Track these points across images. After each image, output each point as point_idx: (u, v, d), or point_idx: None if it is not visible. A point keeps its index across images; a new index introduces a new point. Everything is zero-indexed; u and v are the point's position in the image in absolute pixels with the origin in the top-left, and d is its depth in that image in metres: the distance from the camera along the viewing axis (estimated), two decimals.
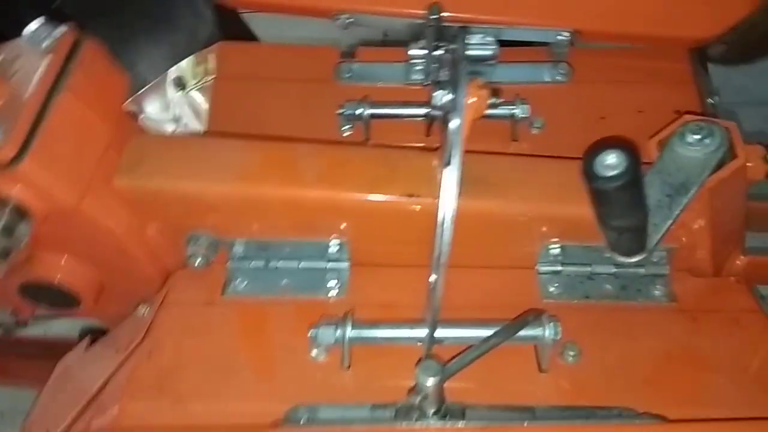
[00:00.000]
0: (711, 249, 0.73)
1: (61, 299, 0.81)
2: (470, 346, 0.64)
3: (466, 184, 0.68)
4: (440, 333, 0.66)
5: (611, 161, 0.54)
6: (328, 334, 0.69)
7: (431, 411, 0.60)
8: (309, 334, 0.70)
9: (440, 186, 0.68)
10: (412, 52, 0.89)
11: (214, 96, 0.96)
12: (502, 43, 0.90)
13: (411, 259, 0.75)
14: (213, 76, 0.98)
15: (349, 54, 0.96)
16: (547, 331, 0.66)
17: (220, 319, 0.76)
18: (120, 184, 0.72)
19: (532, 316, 0.67)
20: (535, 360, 0.69)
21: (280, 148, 0.76)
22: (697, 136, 0.65)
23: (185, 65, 1.00)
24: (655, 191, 0.65)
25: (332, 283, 0.78)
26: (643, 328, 0.72)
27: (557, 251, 0.76)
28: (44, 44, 0.69)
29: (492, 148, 0.85)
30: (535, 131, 0.88)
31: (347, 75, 0.95)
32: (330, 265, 0.79)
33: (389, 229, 0.76)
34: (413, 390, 0.59)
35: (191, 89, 0.99)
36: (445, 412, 0.61)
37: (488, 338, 0.64)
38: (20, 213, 0.66)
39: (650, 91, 0.92)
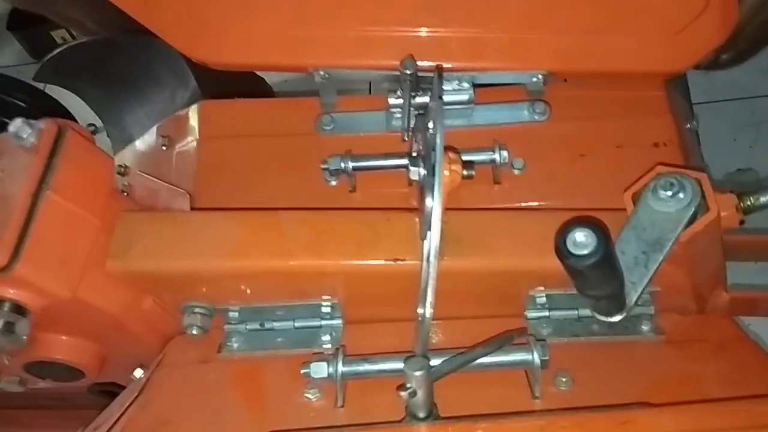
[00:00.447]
0: (692, 293, 0.75)
1: (65, 373, 0.84)
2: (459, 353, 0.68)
3: (447, 244, 0.70)
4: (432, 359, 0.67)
5: (582, 239, 0.56)
6: (320, 368, 0.71)
7: (421, 414, 0.63)
8: (302, 371, 0.72)
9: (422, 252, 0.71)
10: (392, 101, 0.91)
11: (199, 156, 0.98)
12: (478, 85, 0.92)
13: (401, 313, 0.77)
14: (196, 137, 1.00)
15: (329, 105, 0.98)
16: (535, 353, 0.69)
17: (215, 373, 0.78)
18: (113, 268, 0.74)
19: (518, 331, 0.71)
20: (527, 388, 0.71)
21: (266, 219, 0.78)
22: (669, 192, 0.66)
23: (170, 123, 1.02)
24: (631, 248, 0.66)
25: (326, 338, 0.80)
26: (633, 357, 0.75)
27: (543, 299, 0.78)
28: (28, 140, 0.70)
29: (475, 191, 0.88)
30: (516, 172, 0.90)
31: (329, 127, 0.97)
32: (324, 323, 0.81)
33: (377, 290, 0.78)
34: (400, 388, 0.61)
35: (178, 149, 1.01)
36: (435, 417, 0.63)
37: (476, 347, 0.67)
38: (18, 311, 0.68)
39: (627, 124, 0.93)
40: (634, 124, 0.92)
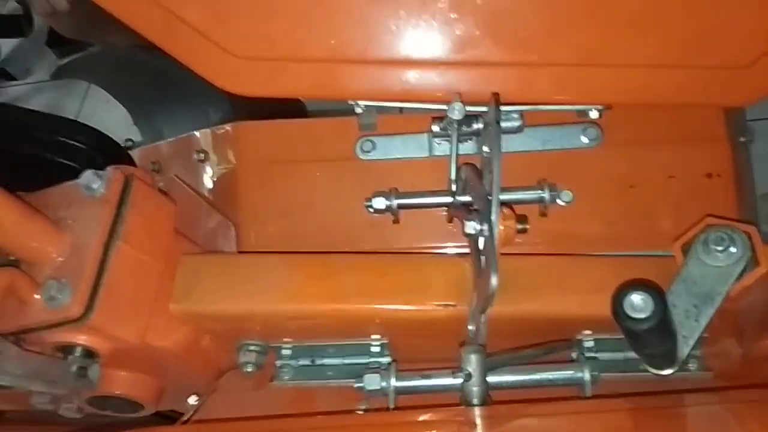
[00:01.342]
0: (738, 341, 0.76)
1: (125, 406, 0.87)
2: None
3: (498, 292, 0.72)
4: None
5: (638, 303, 0.57)
6: (373, 380, 0.74)
7: (475, 401, 0.65)
8: (355, 385, 0.75)
9: (473, 298, 0.73)
10: (435, 128, 0.87)
11: (241, 184, 0.99)
12: None
13: (450, 354, 0.80)
14: (234, 161, 1.00)
15: (369, 126, 0.95)
16: (586, 370, 0.71)
17: (268, 398, 0.82)
18: (176, 311, 0.78)
19: (566, 342, 0.74)
20: None
21: (320, 263, 0.81)
22: (720, 247, 0.68)
23: (206, 139, 1.03)
24: (682, 301, 0.68)
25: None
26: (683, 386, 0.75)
27: (591, 344, 0.80)
28: (98, 191, 0.74)
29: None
30: (563, 204, 0.85)
31: (370, 151, 0.96)
32: (372, 360, 0.84)
33: (427, 333, 0.81)
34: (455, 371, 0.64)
35: (216, 169, 1.03)
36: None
37: (529, 348, 0.70)
38: (89, 355, 0.71)
39: (681, 150, 0.90)
40: (688, 149, 0.89)
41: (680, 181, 0.88)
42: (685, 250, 0.72)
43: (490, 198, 0.66)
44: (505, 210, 0.68)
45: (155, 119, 1.10)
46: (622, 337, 0.78)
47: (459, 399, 0.68)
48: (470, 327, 0.74)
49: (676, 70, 0.77)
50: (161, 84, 1.08)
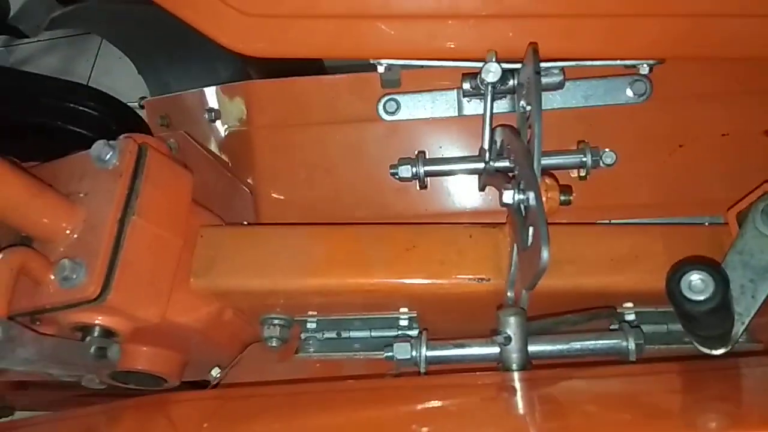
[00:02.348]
0: None
1: (149, 381, 0.85)
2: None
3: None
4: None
5: (697, 283, 0.53)
6: (404, 349, 0.70)
7: (515, 366, 0.62)
8: (385, 354, 0.72)
9: (510, 268, 0.69)
10: (466, 86, 0.80)
11: (256, 147, 0.93)
12: None
13: (485, 328, 0.76)
14: (248, 123, 0.93)
15: (392, 82, 0.87)
16: (630, 339, 0.68)
17: (293, 369, 0.79)
18: (197, 286, 0.74)
19: (607, 309, 0.70)
20: None
21: (346, 235, 0.76)
22: None
23: (216, 98, 0.97)
24: (737, 275, 0.63)
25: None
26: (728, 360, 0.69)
27: (632, 316, 0.75)
28: (110, 162, 0.69)
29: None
30: (605, 166, 0.79)
31: (394, 111, 0.89)
32: (401, 332, 0.80)
33: (459, 307, 0.77)
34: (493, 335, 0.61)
35: (228, 130, 0.96)
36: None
37: (568, 315, 0.67)
38: (109, 335, 0.68)
39: (736, 106, 0.82)
40: (744, 104, 0.81)
41: (735, 139, 0.81)
42: (741, 218, 0.67)
43: (530, 164, 0.60)
44: (548, 180, 0.63)
45: (161, 72, 1.02)
46: (666, 309, 0.75)
47: (497, 366, 0.64)
48: (509, 294, 0.70)
49: (740, 20, 0.69)
50: (163, 35, 1.00)
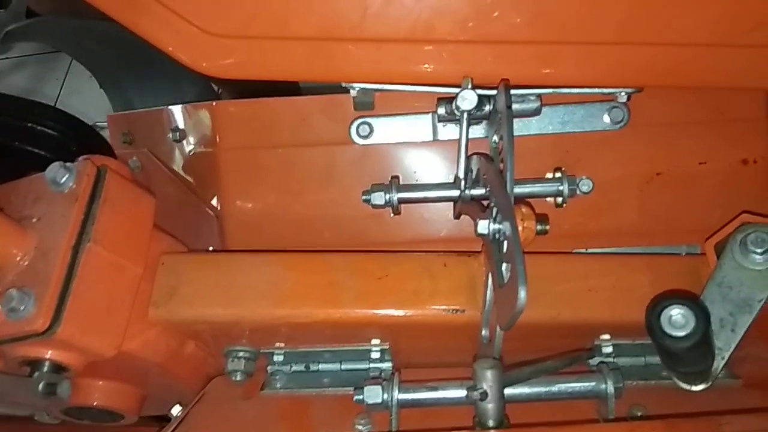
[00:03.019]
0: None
1: (105, 416, 0.81)
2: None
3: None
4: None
5: (678, 318, 0.51)
6: (374, 393, 0.67)
7: (491, 423, 0.59)
8: (355, 397, 0.68)
9: (485, 301, 0.67)
10: (441, 111, 0.77)
11: (223, 170, 0.88)
12: None
13: (458, 359, 0.74)
14: (215, 144, 0.89)
15: (365, 104, 0.83)
16: (609, 381, 0.66)
17: (258, 409, 0.75)
18: (155, 317, 0.70)
19: (586, 352, 0.69)
20: None
21: (315, 263, 0.73)
22: (759, 249, 0.61)
23: (182, 116, 0.94)
24: (717, 308, 0.61)
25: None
26: (710, 399, 0.67)
27: (609, 349, 0.73)
28: (66, 185, 0.66)
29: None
30: (582, 194, 0.78)
31: (366, 135, 0.85)
32: (372, 365, 0.77)
33: (433, 338, 0.74)
34: (471, 390, 0.58)
35: (194, 150, 0.93)
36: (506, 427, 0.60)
37: (546, 360, 0.64)
38: (59, 370, 0.64)
39: (714, 134, 0.80)
40: (723, 132, 0.80)
41: (712, 168, 0.80)
42: (719, 249, 0.66)
43: (505, 195, 0.58)
44: (524, 209, 0.61)
45: (124, 89, 0.99)
46: (644, 341, 0.73)
47: (473, 420, 0.61)
48: (483, 333, 0.67)
49: (719, 50, 0.68)
50: (126, 52, 0.96)
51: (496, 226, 0.59)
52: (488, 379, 0.57)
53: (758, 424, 0.55)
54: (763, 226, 0.63)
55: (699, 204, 0.79)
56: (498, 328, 0.60)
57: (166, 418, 0.87)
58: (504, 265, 0.55)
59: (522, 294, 0.47)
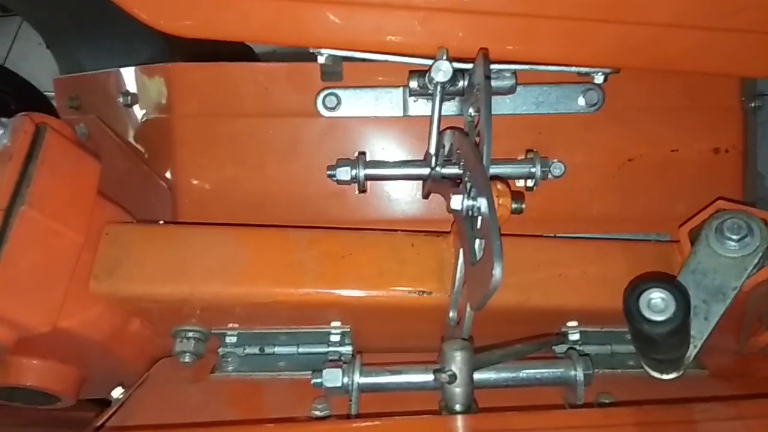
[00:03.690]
0: (737, 337, 0.69)
1: (39, 398, 0.75)
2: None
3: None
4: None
5: (658, 302, 0.48)
6: (334, 376, 0.64)
7: (458, 407, 0.57)
8: (312, 380, 0.64)
9: (454, 281, 0.64)
10: (413, 85, 0.74)
11: (177, 138, 0.83)
12: None
13: (419, 344, 0.70)
14: (169, 109, 0.83)
15: (333, 74, 0.79)
16: (579, 368, 0.64)
17: (206, 392, 0.70)
18: (96, 291, 0.65)
19: (557, 337, 0.67)
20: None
21: (274, 239, 0.69)
22: (735, 236, 0.59)
23: (134, 79, 0.87)
24: (691, 295, 0.59)
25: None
26: (676, 387, 0.65)
27: (576, 336, 0.71)
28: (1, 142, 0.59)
29: None
30: (554, 178, 0.77)
31: (333, 107, 0.81)
32: (332, 349, 0.73)
33: (397, 322, 0.71)
34: (438, 372, 0.56)
35: (146, 117, 0.87)
36: (474, 412, 0.57)
37: (516, 343, 0.63)
38: None
39: (687, 122, 0.80)
40: (695, 120, 0.80)
41: (684, 155, 0.79)
42: (693, 236, 0.64)
43: (482, 170, 0.55)
44: (500, 186, 0.58)
45: (72, 49, 0.91)
46: (611, 329, 0.71)
47: (439, 403, 0.58)
48: (451, 314, 0.64)
49: (699, 32, 0.67)
50: (76, 7, 0.89)
51: (470, 201, 0.56)
52: (457, 361, 0.54)
53: (729, 412, 0.54)
54: (739, 212, 0.61)
55: (670, 192, 0.78)
56: (468, 309, 0.57)
57: (107, 402, 0.82)
58: (477, 242, 0.51)
59: (497, 270, 0.44)
